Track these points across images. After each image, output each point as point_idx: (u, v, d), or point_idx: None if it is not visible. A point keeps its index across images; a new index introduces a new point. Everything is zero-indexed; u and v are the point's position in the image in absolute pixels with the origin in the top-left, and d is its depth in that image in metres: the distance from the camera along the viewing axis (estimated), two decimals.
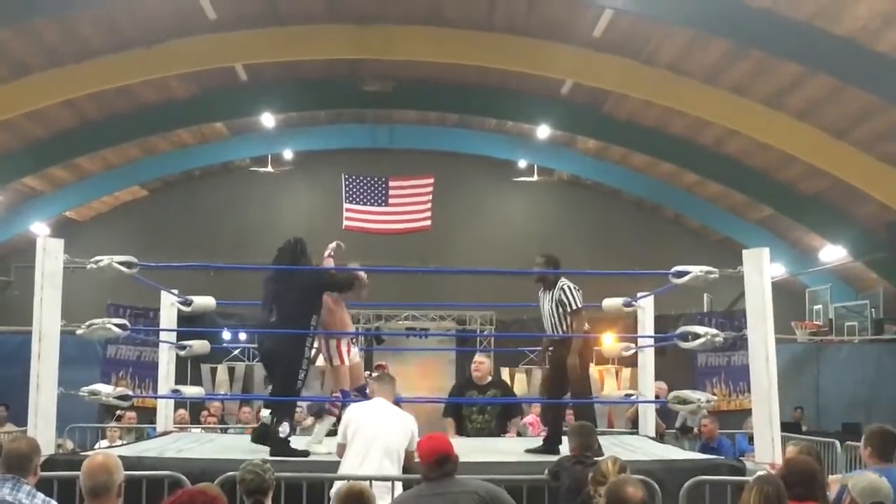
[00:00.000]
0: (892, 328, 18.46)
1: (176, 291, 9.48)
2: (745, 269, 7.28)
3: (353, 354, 8.08)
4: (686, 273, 7.69)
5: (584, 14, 14.53)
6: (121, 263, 7.29)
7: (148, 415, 12.62)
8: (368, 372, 9.59)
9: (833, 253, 19.81)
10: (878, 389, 16.07)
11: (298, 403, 12.89)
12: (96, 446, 10.32)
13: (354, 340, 8.36)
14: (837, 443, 9.96)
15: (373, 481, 5.52)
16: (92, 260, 7.25)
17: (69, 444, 10.03)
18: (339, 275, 7.88)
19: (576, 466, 5.80)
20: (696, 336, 7.69)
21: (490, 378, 10.07)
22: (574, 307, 7.88)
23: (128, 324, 7.72)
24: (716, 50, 14.60)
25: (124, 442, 10.28)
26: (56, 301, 6.81)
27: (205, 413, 12.65)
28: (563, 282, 8.02)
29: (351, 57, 16.91)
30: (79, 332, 7.25)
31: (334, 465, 6.36)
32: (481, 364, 9.95)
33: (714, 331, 7.72)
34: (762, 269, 7.21)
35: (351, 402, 7.38)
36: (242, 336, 14.70)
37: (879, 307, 19.15)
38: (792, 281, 21.15)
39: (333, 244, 8.32)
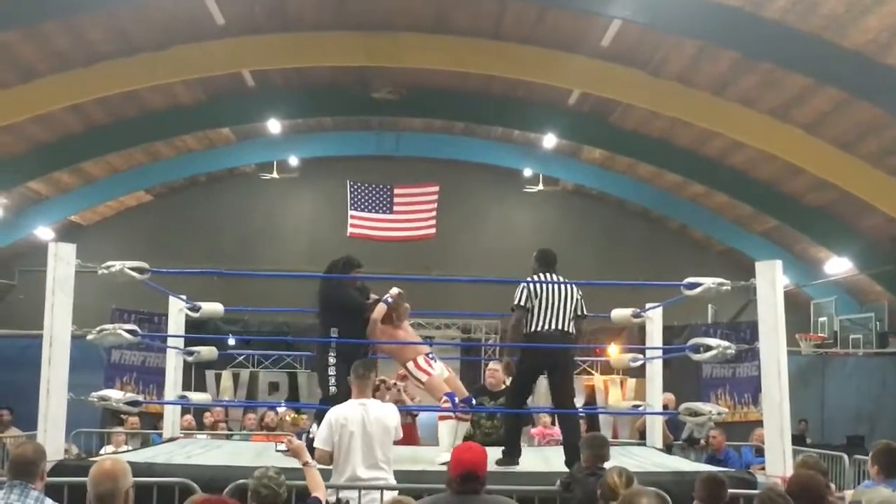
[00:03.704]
0: None
1: (184, 297, 9.44)
2: (757, 281, 7.22)
3: (438, 368, 8.07)
4: (698, 285, 7.63)
5: (592, 24, 14.50)
6: (132, 269, 7.26)
7: (151, 420, 12.60)
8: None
9: (838, 265, 19.79)
10: (882, 402, 16.06)
11: (303, 411, 13.08)
12: (101, 451, 10.27)
13: (432, 355, 8.24)
14: (845, 456, 9.92)
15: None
16: (103, 265, 7.20)
17: (74, 449, 9.97)
18: (351, 296, 7.91)
19: (589, 478, 5.73)
20: (709, 348, 7.62)
21: (503, 386, 10.05)
22: (514, 302, 7.45)
23: (138, 329, 7.66)
24: (724, 61, 14.60)
25: (129, 448, 10.23)
26: (67, 306, 6.75)
27: (209, 417, 12.57)
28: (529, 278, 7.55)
29: (358, 64, 16.86)
30: (89, 337, 7.19)
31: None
32: (495, 371, 9.93)
33: (726, 343, 7.64)
34: (775, 282, 7.17)
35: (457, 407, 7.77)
36: None
37: (884, 320, 19.14)
38: (797, 293, 21.09)
39: (395, 292, 8.05)
